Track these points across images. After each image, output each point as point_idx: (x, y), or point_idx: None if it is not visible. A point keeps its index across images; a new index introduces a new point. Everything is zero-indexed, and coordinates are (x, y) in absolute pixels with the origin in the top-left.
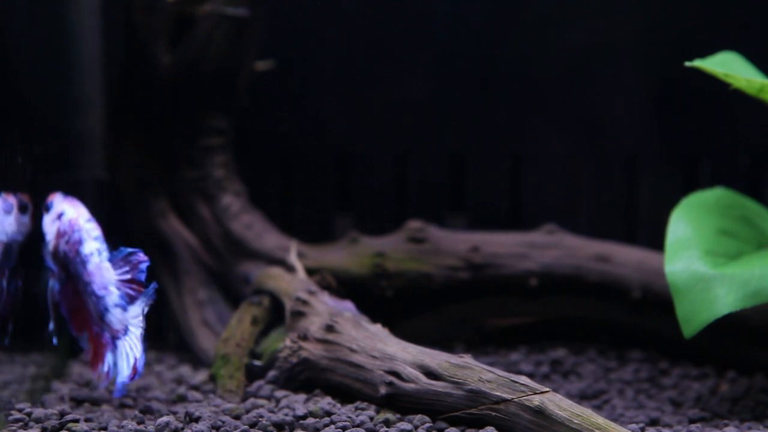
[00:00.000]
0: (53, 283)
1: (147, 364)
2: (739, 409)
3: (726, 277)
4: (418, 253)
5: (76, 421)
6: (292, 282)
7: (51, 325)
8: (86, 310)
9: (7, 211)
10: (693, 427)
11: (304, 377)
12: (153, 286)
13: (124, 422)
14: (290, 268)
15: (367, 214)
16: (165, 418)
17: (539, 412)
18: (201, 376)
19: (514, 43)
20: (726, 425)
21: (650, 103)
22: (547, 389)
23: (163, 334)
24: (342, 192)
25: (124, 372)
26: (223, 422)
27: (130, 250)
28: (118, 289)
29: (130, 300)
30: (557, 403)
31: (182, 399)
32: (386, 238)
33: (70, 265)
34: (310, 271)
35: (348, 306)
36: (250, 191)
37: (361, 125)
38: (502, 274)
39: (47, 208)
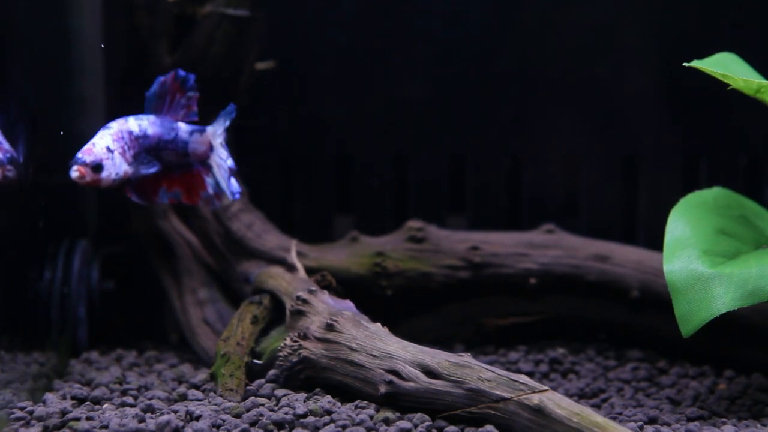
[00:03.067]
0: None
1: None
2: (737, 408)
3: (724, 276)
4: (418, 252)
5: (78, 419)
6: (292, 281)
7: None
8: (169, 170)
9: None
10: (691, 425)
11: (305, 376)
12: (231, 106)
13: (125, 420)
14: (290, 268)
15: (367, 214)
16: (166, 417)
17: (538, 410)
18: (201, 375)
19: (514, 43)
20: (724, 423)
21: (649, 103)
22: (546, 388)
23: (164, 334)
24: (342, 192)
25: (225, 182)
26: (224, 421)
27: (155, 83)
28: (181, 121)
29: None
30: (556, 402)
31: (183, 398)
32: (386, 238)
33: (142, 155)
34: (310, 271)
35: (348, 305)
36: (250, 191)
37: (361, 125)
38: (501, 274)
39: (99, 168)
